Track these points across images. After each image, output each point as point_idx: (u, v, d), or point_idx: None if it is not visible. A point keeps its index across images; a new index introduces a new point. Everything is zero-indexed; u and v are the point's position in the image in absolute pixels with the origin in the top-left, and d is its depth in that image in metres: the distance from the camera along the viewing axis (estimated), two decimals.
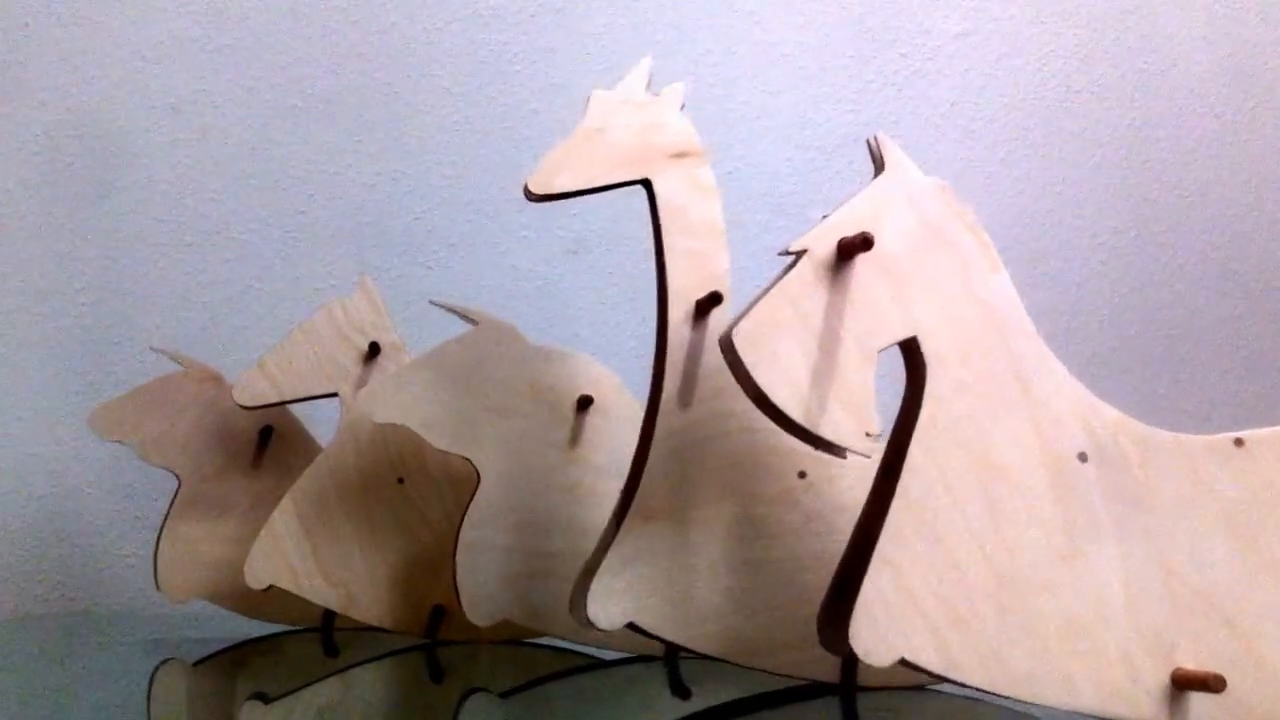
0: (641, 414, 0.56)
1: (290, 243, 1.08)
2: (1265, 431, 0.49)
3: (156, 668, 0.71)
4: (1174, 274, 1.21)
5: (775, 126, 1.16)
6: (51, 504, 1.02)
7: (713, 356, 0.53)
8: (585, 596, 0.52)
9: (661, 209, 0.54)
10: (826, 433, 0.45)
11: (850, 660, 0.53)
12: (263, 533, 0.71)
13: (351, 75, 1.11)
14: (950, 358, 0.47)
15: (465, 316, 0.69)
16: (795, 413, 0.44)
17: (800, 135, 1.16)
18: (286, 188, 1.09)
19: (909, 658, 0.45)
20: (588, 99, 0.55)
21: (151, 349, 0.85)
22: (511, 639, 0.72)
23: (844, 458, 0.52)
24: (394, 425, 0.67)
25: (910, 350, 0.47)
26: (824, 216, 0.47)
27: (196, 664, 0.73)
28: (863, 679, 0.55)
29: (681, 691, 0.62)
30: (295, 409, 0.78)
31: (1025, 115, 1.21)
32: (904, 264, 0.47)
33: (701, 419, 0.54)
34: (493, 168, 1.11)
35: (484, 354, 0.67)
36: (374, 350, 0.74)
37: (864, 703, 0.55)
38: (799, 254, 0.45)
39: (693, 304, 0.54)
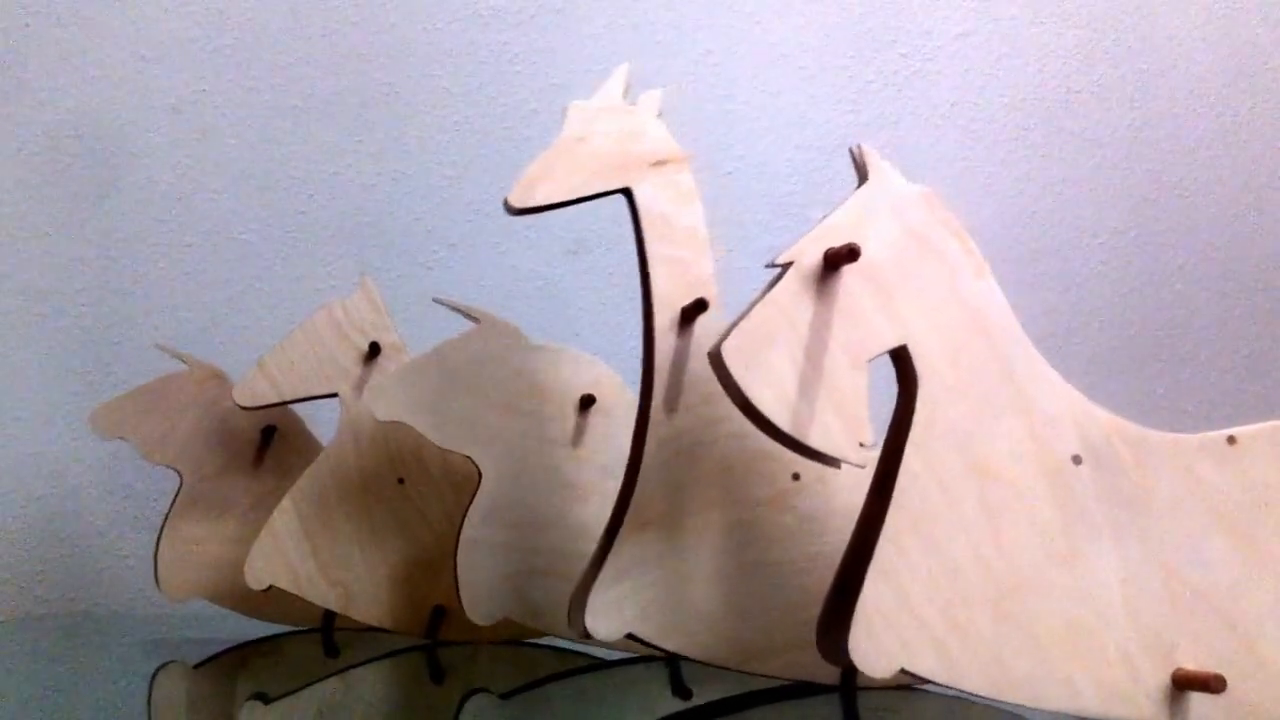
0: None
1: (290, 243, 1.08)
2: (1257, 428, 0.49)
3: (157, 669, 0.71)
4: (1174, 274, 1.21)
5: (775, 127, 1.16)
6: (51, 504, 1.02)
7: (700, 363, 0.53)
8: (583, 609, 0.53)
9: (643, 217, 0.54)
10: (816, 443, 0.45)
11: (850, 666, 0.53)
12: (263, 533, 0.71)
13: (351, 75, 1.11)
14: (940, 364, 0.47)
15: (467, 315, 0.69)
16: (786, 424, 0.44)
17: (800, 135, 1.16)
18: (286, 188, 1.09)
19: (909, 667, 0.45)
20: (565, 109, 0.55)
21: (155, 346, 0.85)
22: (512, 639, 0.72)
23: (838, 467, 0.52)
24: (395, 424, 0.67)
25: (901, 358, 0.47)
26: (824, 218, 0.47)
27: (197, 665, 0.73)
28: (862, 679, 0.55)
29: (683, 692, 0.62)
30: (296, 409, 0.78)
31: (1025, 115, 1.21)
32: (890, 273, 0.47)
33: (691, 426, 0.54)
34: (493, 168, 1.10)
35: (486, 353, 0.67)
36: (374, 350, 0.74)
37: (863, 702, 0.55)
38: (785, 266, 0.45)
39: (678, 311, 0.54)
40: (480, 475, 0.66)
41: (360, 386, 0.73)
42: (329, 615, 0.75)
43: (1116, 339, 1.19)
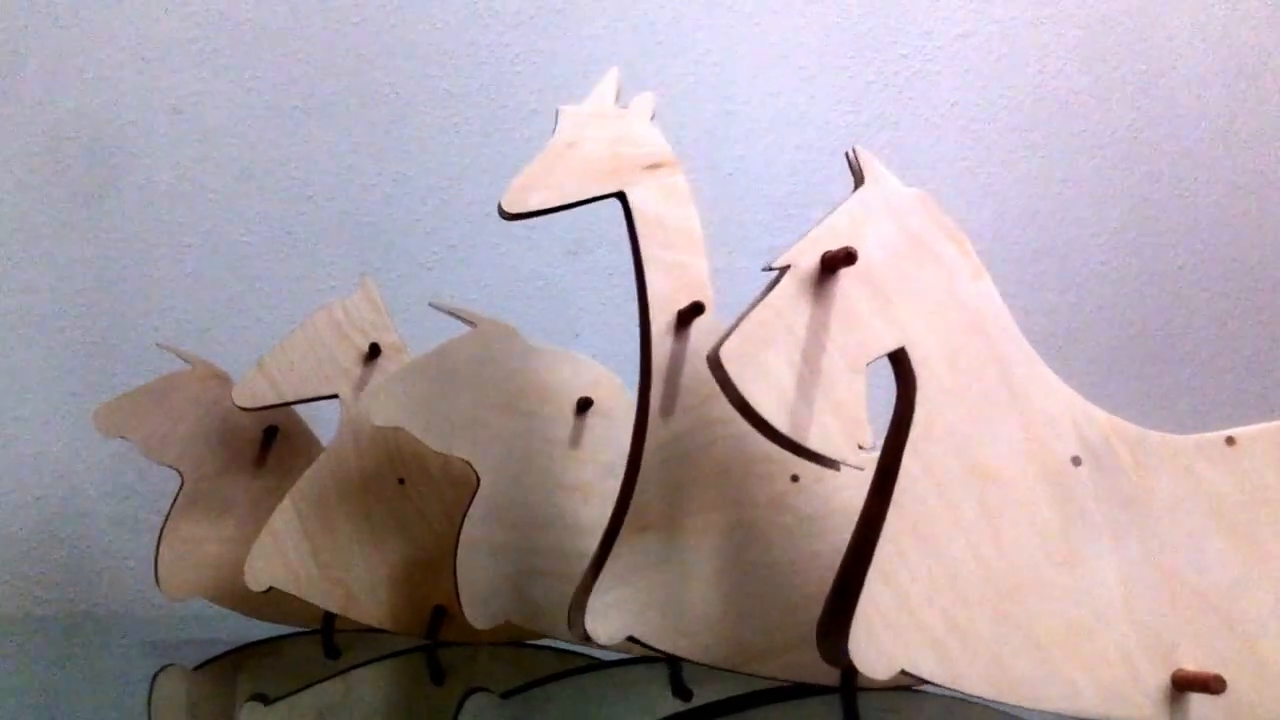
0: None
1: (290, 243, 1.08)
2: (1256, 428, 0.49)
3: (157, 670, 0.71)
4: (1174, 274, 1.21)
5: (775, 127, 1.16)
6: (52, 505, 1.02)
7: (697, 366, 0.53)
8: (583, 612, 0.53)
9: (638, 221, 0.54)
10: (815, 445, 0.45)
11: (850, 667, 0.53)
12: (263, 534, 0.71)
13: (351, 76, 1.11)
14: (939, 367, 0.47)
15: (464, 319, 0.69)
16: (784, 427, 0.44)
17: (800, 136, 1.16)
18: (286, 188, 1.09)
19: (909, 669, 0.45)
20: (557, 114, 0.55)
21: (157, 345, 0.85)
22: (512, 640, 0.72)
23: (837, 470, 0.52)
24: (394, 427, 0.67)
25: (899, 361, 0.47)
26: (820, 221, 0.47)
27: (197, 666, 0.73)
28: (862, 680, 0.55)
29: (683, 693, 0.62)
30: (297, 409, 0.78)
31: (1025, 116, 1.21)
32: (888, 276, 0.47)
33: (689, 428, 0.54)
34: (493, 169, 1.10)
35: (483, 355, 0.67)
36: (374, 351, 0.74)
37: (863, 704, 0.55)
38: (783, 269, 0.46)
39: (674, 314, 0.54)
40: (478, 478, 0.66)
41: (360, 387, 0.73)
42: (329, 616, 0.75)
43: (1116, 339, 1.19)
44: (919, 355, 0.47)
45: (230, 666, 0.74)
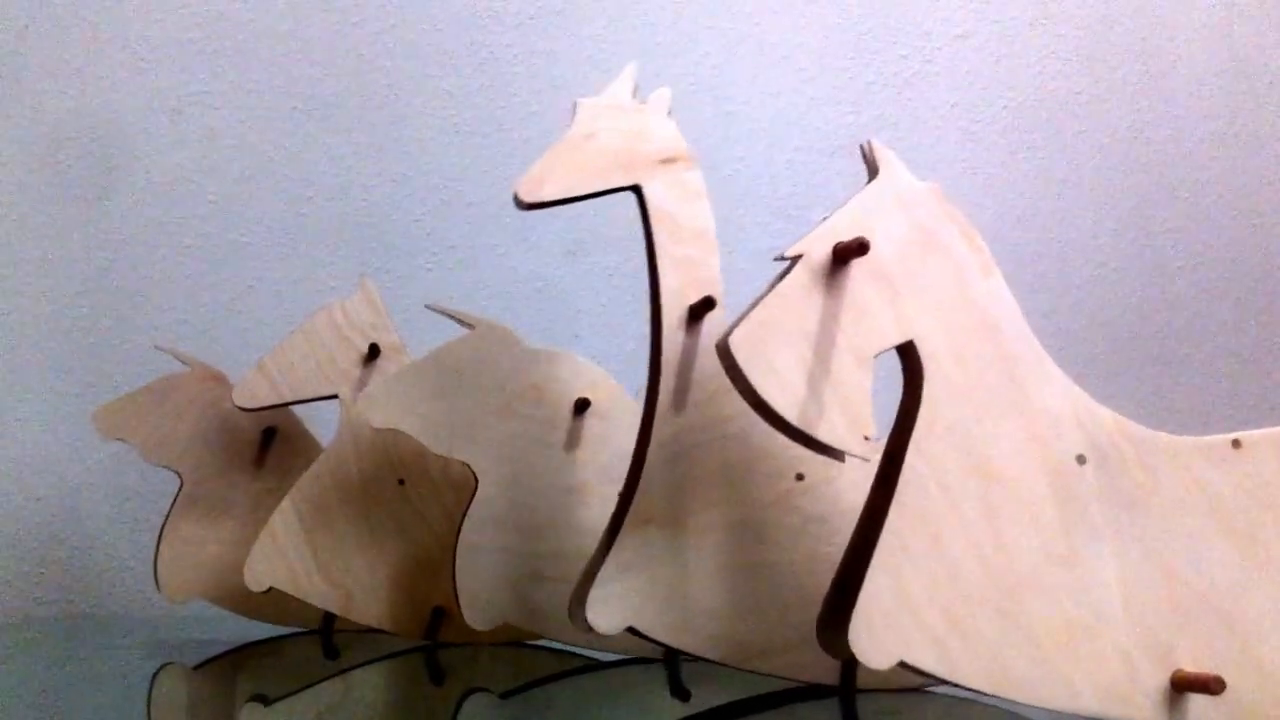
0: (640, 416, 0.56)
1: (290, 243, 1.08)
2: (1262, 433, 0.49)
3: (157, 671, 0.71)
4: (1173, 275, 1.21)
5: (775, 128, 1.16)
6: (52, 506, 1.02)
7: (707, 361, 0.53)
8: (584, 602, 0.53)
9: (652, 215, 0.54)
10: (823, 436, 0.45)
11: (850, 663, 0.53)
12: (262, 534, 0.71)
13: (351, 76, 1.11)
14: (946, 361, 0.47)
15: (461, 321, 0.69)
16: (792, 417, 0.44)
17: (800, 137, 1.16)
18: (286, 188, 1.09)
19: (908, 660, 0.45)
20: (574, 106, 0.55)
21: (156, 347, 0.85)
22: (511, 640, 0.72)
23: (842, 461, 0.52)
24: (393, 429, 0.67)
25: (907, 354, 0.47)
26: (824, 219, 0.47)
27: (197, 666, 0.73)
28: (862, 681, 0.55)
29: (681, 693, 0.62)
30: (296, 410, 0.78)
31: (1025, 117, 1.21)
32: (899, 268, 0.47)
33: (697, 424, 0.54)
34: (492, 170, 1.11)
35: (481, 357, 0.67)
36: (374, 352, 0.74)
37: (863, 704, 0.55)
38: (794, 259, 0.45)
39: (685, 309, 0.54)
40: (477, 480, 0.66)
41: (360, 388, 0.73)
42: (329, 617, 0.75)
43: (1116, 340, 1.19)
44: (927, 349, 0.47)
45: (230, 666, 0.74)
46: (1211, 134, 1.24)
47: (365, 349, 0.74)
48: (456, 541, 0.66)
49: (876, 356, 0.46)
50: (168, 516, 0.78)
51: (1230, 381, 1.20)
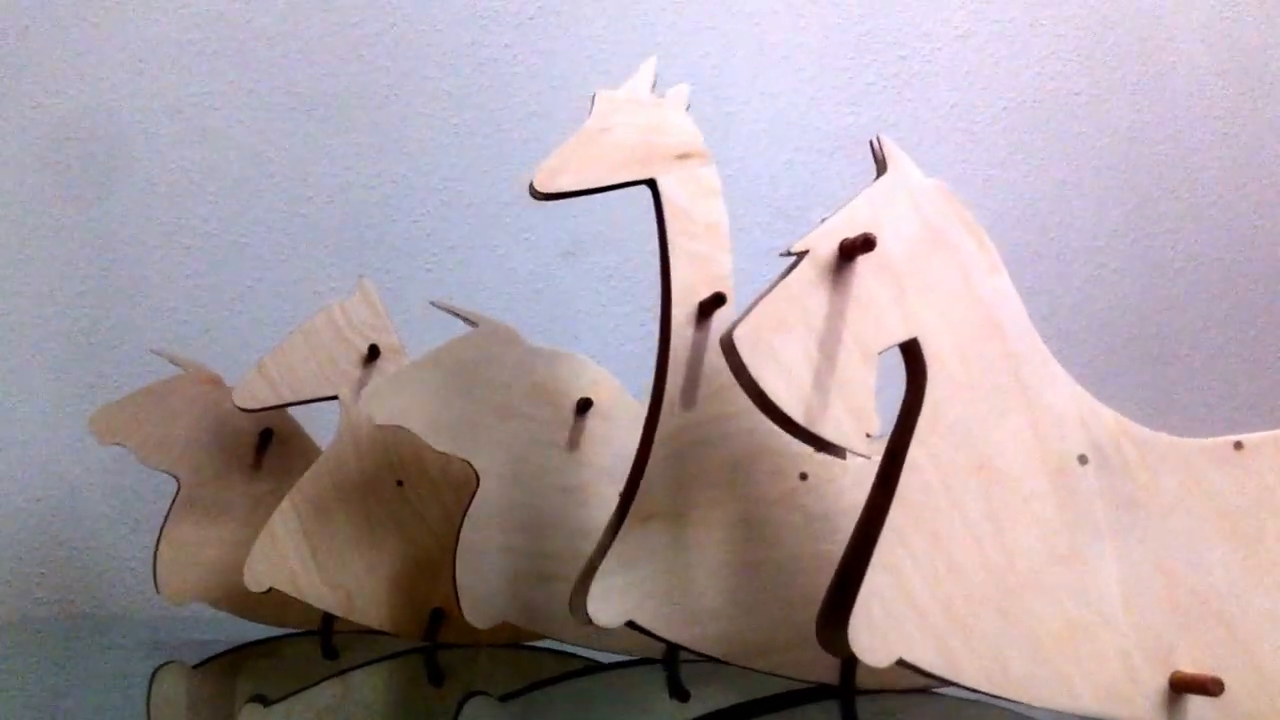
0: (641, 416, 0.56)
1: (290, 244, 1.08)
2: (1264, 435, 0.49)
3: (156, 671, 0.71)
4: (1173, 276, 1.21)
5: (775, 128, 1.16)
6: (51, 507, 1.02)
7: (715, 357, 0.53)
8: (585, 595, 0.53)
9: (666, 209, 0.55)
10: (827, 433, 0.45)
11: (849, 662, 0.53)
12: (262, 535, 0.71)
13: (351, 77, 1.11)
14: (950, 359, 0.47)
15: (465, 318, 0.69)
16: (796, 413, 0.44)
17: (800, 137, 1.16)
18: (286, 189, 1.09)
19: (907, 658, 0.45)
20: (593, 98, 0.55)
21: (151, 351, 0.85)
22: (511, 642, 0.72)
23: (844, 458, 0.52)
24: (394, 427, 0.67)
25: (911, 351, 0.47)
26: (824, 219, 0.47)
27: (196, 667, 0.73)
28: (862, 681, 0.55)
29: (680, 694, 0.62)
30: (295, 411, 0.78)
31: (1025, 117, 1.21)
32: (905, 265, 0.47)
33: (703, 420, 0.54)
34: (492, 170, 1.10)
35: (484, 356, 0.67)
36: (373, 352, 0.74)
37: (863, 705, 0.55)
38: (801, 254, 0.45)
39: (695, 305, 0.54)
40: (478, 479, 0.66)
41: (360, 388, 0.73)
42: (328, 617, 0.75)
43: (1115, 340, 1.19)
44: (931, 347, 0.47)
45: (229, 667, 0.74)
46: (1211, 134, 1.24)
47: (365, 350, 0.74)
48: (457, 541, 0.66)
49: (881, 354, 0.46)
50: (166, 519, 0.78)
51: (1230, 381, 1.20)
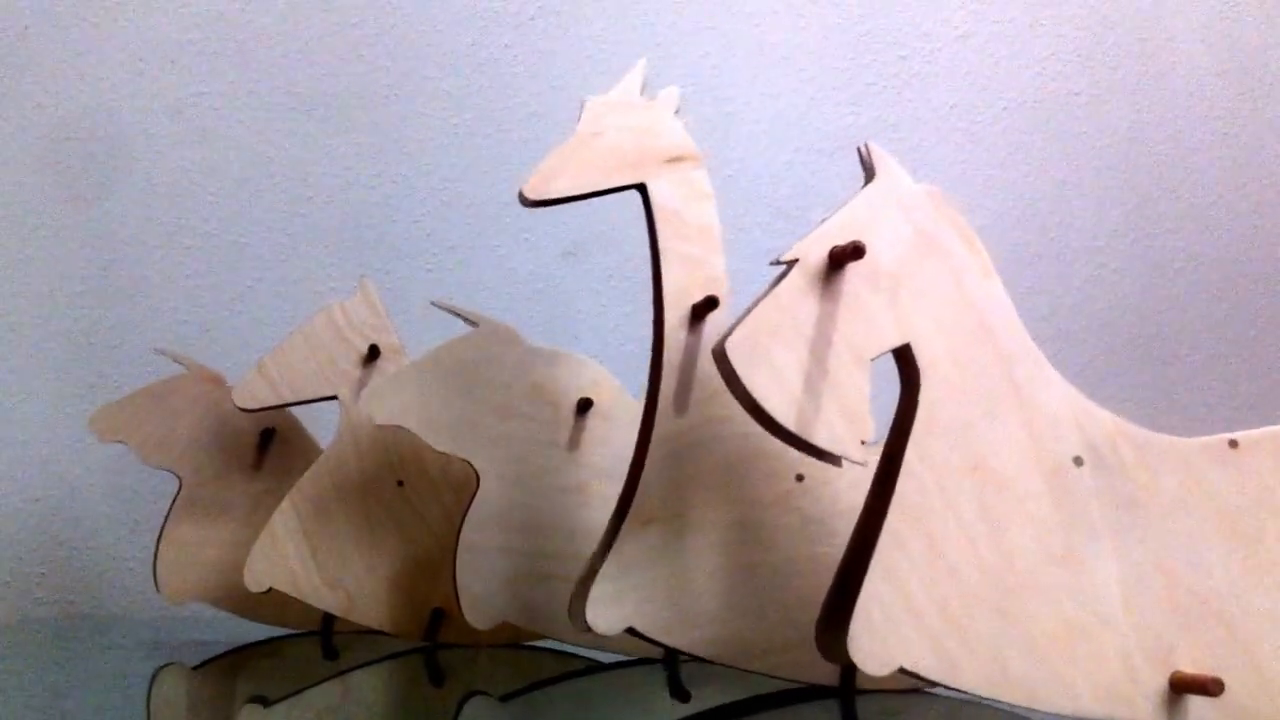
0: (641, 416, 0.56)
1: (290, 244, 1.08)
2: (1259, 432, 0.49)
3: (156, 671, 0.71)
4: (1173, 276, 1.21)
5: (774, 129, 1.16)
6: (51, 507, 1.02)
7: (708, 361, 0.53)
8: (584, 602, 0.53)
9: (657, 213, 0.54)
10: (821, 441, 0.45)
11: (850, 665, 0.53)
12: (262, 535, 0.71)
13: (351, 77, 1.11)
14: (944, 364, 0.47)
15: (466, 318, 0.69)
16: (789, 421, 0.44)
17: (800, 138, 1.16)
18: (286, 189, 1.09)
19: (908, 665, 0.45)
20: (582, 103, 0.55)
21: (155, 350, 0.85)
22: (511, 642, 0.72)
23: (839, 465, 0.52)
24: (394, 427, 0.67)
25: (904, 357, 0.47)
26: (823, 220, 0.47)
27: (196, 667, 0.73)
28: (862, 681, 0.55)
29: (681, 694, 0.62)
30: (296, 411, 0.78)
31: (1025, 118, 1.21)
32: (896, 271, 0.47)
33: (698, 423, 0.54)
34: (492, 170, 1.11)
35: (484, 356, 0.67)
36: (373, 353, 0.74)
37: (863, 705, 0.55)
38: (791, 263, 0.45)
39: (689, 308, 0.54)
40: (478, 479, 0.66)
41: (360, 389, 0.73)
42: (328, 618, 0.75)
43: (1115, 340, 1.19)
44: (924, 352, 0.47)
45: (229, 667, 0.74)
46: (1211, 134, 1.24)
47: (365, 350, 0.74)
48: (457, 541, 0.66)
49: (874, 359, 0.46)
50: (167, 518, 0.78)
51: (1230, 381, 1.20)
